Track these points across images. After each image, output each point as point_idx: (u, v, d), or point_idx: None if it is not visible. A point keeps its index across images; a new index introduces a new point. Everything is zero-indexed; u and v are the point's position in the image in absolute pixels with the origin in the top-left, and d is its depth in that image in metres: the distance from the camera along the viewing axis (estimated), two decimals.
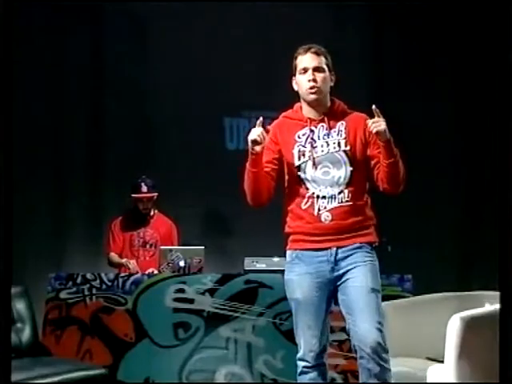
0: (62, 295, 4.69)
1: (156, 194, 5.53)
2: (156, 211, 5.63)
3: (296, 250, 3.26)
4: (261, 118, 3.15)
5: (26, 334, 4.16)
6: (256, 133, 3.11)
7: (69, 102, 6.31)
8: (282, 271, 4.70)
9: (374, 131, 3.11)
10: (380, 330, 3.09)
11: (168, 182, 5.89)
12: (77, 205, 6.24)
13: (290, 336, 4.54)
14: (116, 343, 4.63)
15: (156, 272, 4.99)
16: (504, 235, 3.08)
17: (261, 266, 4.80)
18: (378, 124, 3.10)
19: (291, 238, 3.29)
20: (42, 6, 6.02)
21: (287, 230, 3.30)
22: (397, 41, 6.39)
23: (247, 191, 3.25)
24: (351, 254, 3.18)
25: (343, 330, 3.50)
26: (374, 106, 3.13)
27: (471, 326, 3.46)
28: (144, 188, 5.49)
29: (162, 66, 6.35)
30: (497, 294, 3.39)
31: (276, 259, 4.80)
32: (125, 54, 6.37)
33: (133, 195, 5.51)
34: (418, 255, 5.81)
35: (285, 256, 4.75)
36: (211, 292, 4.67)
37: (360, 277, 3.15)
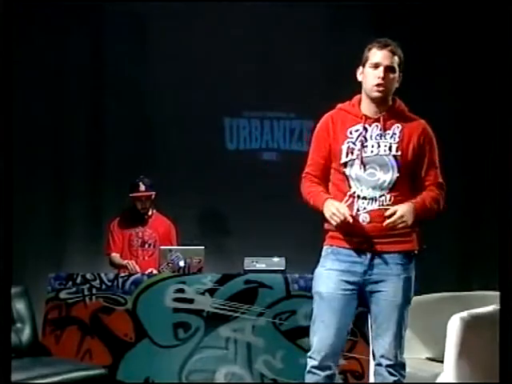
0: (62, 295, 4.68)
1: (154, 193, 5.53)
2: (154, 211, 5.62)
3: (332, 245, 3.20)
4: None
5: (26, 334, 4.16)
6: (336, 220, 3.05)
7: (69, 102, 6.30)
8: (282, 271, 4.75)
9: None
10: (400, 346, 3.12)
11: (168, 182, 5.89)
12: (77, 205, 6.24)
13: (289, 336, 4.55)
14: (116, 343, 4.62)
15: (155, 272, 4.99)
16: (504, 235, 3.08)
17: (260, 266, 4.79)
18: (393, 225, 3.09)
19: (329, 234, 3.23)
20: (42, 6, 6.02)
21: (326, 226, 3.22)
22: (397, 41, 6.37)
23: (305, 200, 3.26)
24: (387, 264, 3.13)
25: None
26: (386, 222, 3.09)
27: (471, 326, 3.46)
28: (142, 187, 5.49)
29: (161, 66, 6.35)
30: (497, 293, 3.39)
31: (276, 259, 4.80)
32: (125, 53, 6.36)
33: (131, 194, 5.51)
34: (418, 255, 5.79)
35: (284, 256, 4.81)
36: (211, 292, 4.66)
37: (391, 292, 3.12)
